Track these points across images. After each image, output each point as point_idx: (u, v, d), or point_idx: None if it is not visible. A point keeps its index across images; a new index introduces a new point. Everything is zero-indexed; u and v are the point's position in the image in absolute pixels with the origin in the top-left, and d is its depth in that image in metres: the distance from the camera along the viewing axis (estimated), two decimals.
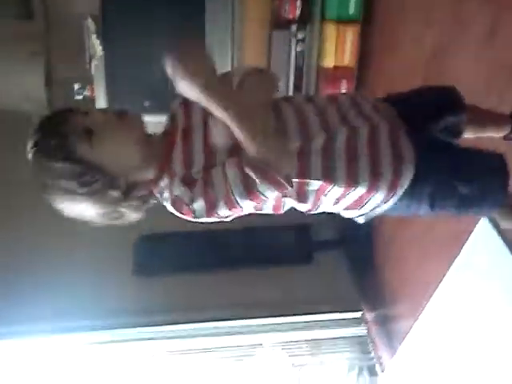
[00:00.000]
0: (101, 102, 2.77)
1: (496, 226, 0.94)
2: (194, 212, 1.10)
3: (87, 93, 2.74)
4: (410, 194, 1.21)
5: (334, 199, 1.22)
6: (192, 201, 1.09)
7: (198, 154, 1.13)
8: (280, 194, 1.10)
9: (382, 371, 3.08)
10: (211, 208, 1.09)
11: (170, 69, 1.04)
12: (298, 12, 2.95)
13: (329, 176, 1.15)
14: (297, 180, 1.13)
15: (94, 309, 3.00)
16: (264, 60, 2.95)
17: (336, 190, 1.18)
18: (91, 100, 2.75)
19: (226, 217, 1.13)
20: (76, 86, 2.72)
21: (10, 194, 2.97)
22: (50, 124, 1.12)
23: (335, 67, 3.02)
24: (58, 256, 3.01)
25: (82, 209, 1.13)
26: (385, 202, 1.23)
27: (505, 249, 0.91)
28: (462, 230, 1.23)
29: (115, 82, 2.77)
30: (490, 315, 1.02)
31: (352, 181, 1.17)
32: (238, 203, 1.08)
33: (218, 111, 1.04)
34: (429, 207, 1.24)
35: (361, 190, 1.19)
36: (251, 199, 1.07)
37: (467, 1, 2.29)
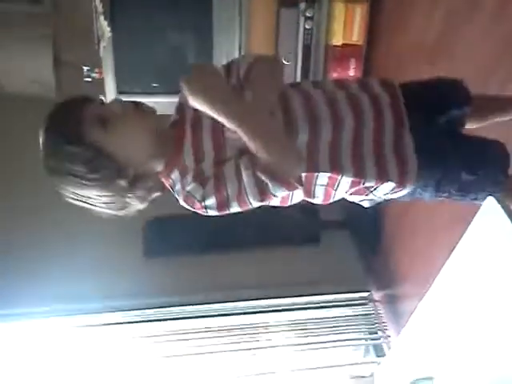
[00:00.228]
0: (109, 84, 2.78)
1: (502, 203, 0.95)
2: (205, 208, 1.12)
3: (96, 75, 2.74)
4: (416, 180, 1.24)
5: (345, 191, 1.24)
6: (204, 198, 1.11)
7: (207, 147, 1.15)
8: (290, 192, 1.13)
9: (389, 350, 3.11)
10: (223, 206, 1.12)
11: (181, 84, 1.05)
12: None
13: (336, 167, 1.18)
14: (305, 174, 1.15)
15: (105, 290, 3.05)
16: (272, 38, 2.92)
17: (345, 183, 1.21)
18: (100, 82, 2.76)
19: (237, 212, 1.16)
20: (84, 69, 2.73)
21: (20, 177, 3.00)
22: (66, 109, 1.13)
23: (343, 45, 2.99)
24: (68, 237, 3.05)
25: (87, 195, 1.13)
26: (394, 193, 1.26)
27: (511, 226, 0.92)
28: (471, 209, 1.24)
29: (124, 64, 2.77)
30: (496, 293, 1.03)
31: (359, 173, 1.19)
32: (251, 203, 1.11)
33: (229, 126, 1.05)
34: (433, 193, 1.28)
35: (369, 183, 1.21)
36: (263, 200, 1.10)
37: None
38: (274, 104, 1.14)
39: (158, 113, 1.20)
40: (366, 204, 1.35)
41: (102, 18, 2.54)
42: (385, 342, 3.23)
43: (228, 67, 1.24)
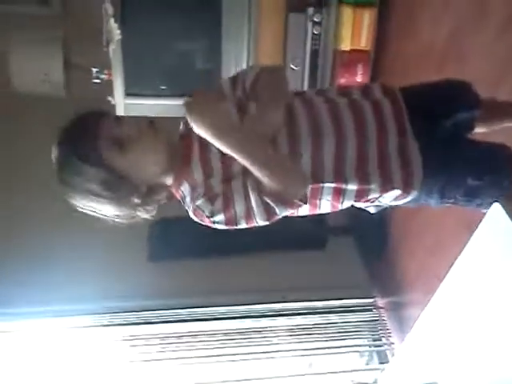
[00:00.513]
0: (118, 86, 2.79)
1: (508, 209, 0.95)
2: (213, 222, 1.16)
3: (105, 76, 2.76)
4: (421, 188, 1.25)
5: (350, 204, 1.27)
6: (212, 214, 1.14)
7: (215, 163, 1.17)
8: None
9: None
10: (231, 223, 1.16)
11: (186, 112, 1.07)
12: None
13: (340, 178, 1.20)
14: (311, 186, 1.18)
15: (108, 292, 3.06)
16: (280, 43, 2.93)
17: (350, 195, 1.23)
18: (108, 83, 2.77)
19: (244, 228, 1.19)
20: (93, 70, 2.75)
21: (28, 177, 3.02)
22: (82, 126, 1.13)
23: (351, 50, 3.00)
24: (73, 240, 3.06)
25: (99, 208, 1.17)
26: (399, 199, 1.28)
27: None
28: (477, 216, 1.24)
29: (132, 67, 2.79)
30: (500, 299, 1.03)
31: (364, 183, 1.21)
32: (257, 222, 1.15)
33: (236, 158, 1.09)
34: (439, 199, 1.28)
35: (374, 194, 1.23)
36: (270, 220, 1.14)
37: None
38: (280, 119, 1.15)
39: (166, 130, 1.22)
40: (372, 210, 1.36)
41: (112, 20, 2.56)
42: (388, 349, 3.22)
43: (234, 79, 1.26)
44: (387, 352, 3.22)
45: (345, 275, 3.27)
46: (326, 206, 1.26)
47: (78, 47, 2.75)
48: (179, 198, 1.22)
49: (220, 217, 1.14)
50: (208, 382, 3.08)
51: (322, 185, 1.20)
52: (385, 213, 1.39)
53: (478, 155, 1.29)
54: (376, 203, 1.31)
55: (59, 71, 2.65)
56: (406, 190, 1.24)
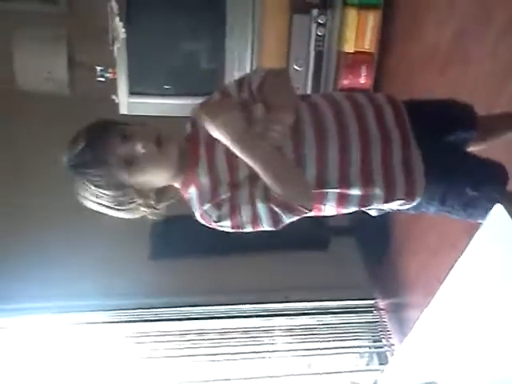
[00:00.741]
0: (122, 85, 2.80)
1: (510, 210, 0.95)
2: (220, 227, 1.20)
3: (109, 75, 2.76)
4: (423, 194, 1.28)
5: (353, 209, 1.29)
6: (219, 220, 1.18)
7: (222, 168, 1.19)
8: None
9: None
10: (237, 227, 1.20)
11: (201, 116, 1.11)
12: None
13: (345, 183, 1.21)
14: (315, 192, 1.21)
15: (109, 289, 3.07)
16: (284, 44, 2.93)
17: (354, 201, 1.25)
18: (113, 82, 2.78)
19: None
20: (98, 68, 2.75)
21: (30, 175, 3.03)
22: (92, 148, 1.14)
23: (355, 52, 3.00)
24: (74, 237, 3.06)
25: (110, 214, 1.20)
26: (400, 206, 1.31)
27: None
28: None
29: (137, 65, 2.79)
30: (500, 300, 1.03)
31: (368, 187, 1.23)
32: (264, 227, 1.19)
33: (247, 160, 1.13)
34: (439, 206, 1.32)
35: (377, 203, 1.26)
36: (276, 226, 1.19)
37: None
38: (291, 121, 1.17)
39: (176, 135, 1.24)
40: (373, 213, 1.37)
41: (117, 19, 2.56)
42: (388, 351, 3.22)
43: (240, 82, 1.28)
44: (387, 353, 3.23)
45: (346, 276, 3.27)
46: (330, 210, 1.28)
47: (83, 45, 2.75)
48: (186, 200, 1.25)
49: (227, 222, 1.18)
50: (206, 381, 3.08)
51: (326, 190, 1.22)
52: (388, 215, 1.40)
53: (476, 167, 1.34)
54: (379, 207, 1.33)
55: (63, 69, 2.66)
56: (409, 197, 1.27)
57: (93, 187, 1.15)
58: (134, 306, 3.22)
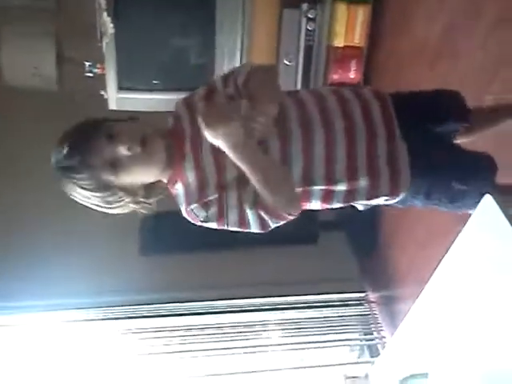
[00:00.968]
0: (111, 80, 2.78)
1: (499, 201, 0.96)
2: (206, 226, 1.22)
3: (97, 70, 2.74)
4: (408, 188, 1.28)
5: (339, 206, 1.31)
6: (207, 220, 1.20)
7: (209, 167, 1.19)
8: None
9: None
10: (223, 227, 1.22)
11: (203, 126, 1.09)
12: None
13: (331, 180, 1.22)
14: (301, 189, 1.22)
15: (100, 286, 3.05)
16: (274, 38, 2.93)
17: (339, 197, 1.26)
18: (101, 77, 2.76)
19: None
20: (86, 64, 2.73)
21: (19, 172, 3.00)
22: (79, 151, 1.13)
23: (345, 47, 3.00)
24: (65, 232, 3.05)
25: (99, 210, 1.21)
26: (385, 201, 1.32)
27: (507, 224, 0.93)
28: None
29: (125, 61, 2.78)
30: (491, 290, 1.04)
31: (353, 181, 1.23)
32: (250, 230, 1.21)
33: (243, 168, 1.13)
34: (424, 201, 1.32)
35: (361, 199, 1.28)
36: (263, 230, 1.21)
37: None
38: (275, 116, 1.17)
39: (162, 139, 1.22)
40: (360, 207, 1.38)
41: (105, 14, 2.55)
42: (380, 343, 3.24)
43: (226, 77, 1.28)
44: (378, 346, 3.24)
45: (336, 269, 3.28)
46: (315, 206, 1.29)
47: (71, 41, 2.73)
48: (174, 196, 1.25)
49: (213, 224, 1.21)
50: (198, 376, 3.09)
51: (312, 187, 1.23)
52: (376, 208, 1.41)
53: (464, 160, 1.34)
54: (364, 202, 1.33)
55: (51, 65, 2.64)
56: (394, 192, 1.28)
57: (80, 189, 1.15)
58: (125, 302, 3.21)
